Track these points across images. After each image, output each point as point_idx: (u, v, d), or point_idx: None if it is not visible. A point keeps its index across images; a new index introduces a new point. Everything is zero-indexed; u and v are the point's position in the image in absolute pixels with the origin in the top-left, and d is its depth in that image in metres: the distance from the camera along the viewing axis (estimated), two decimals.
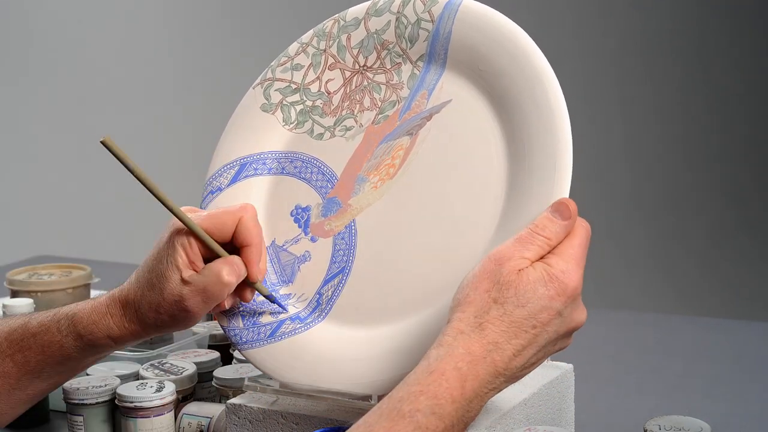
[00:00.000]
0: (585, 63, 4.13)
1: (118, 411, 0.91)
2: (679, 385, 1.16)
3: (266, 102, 0.86)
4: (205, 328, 1.12)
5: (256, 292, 0.79)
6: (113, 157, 0.71)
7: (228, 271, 0.75)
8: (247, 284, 0.78)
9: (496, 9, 0.79)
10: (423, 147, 0.79)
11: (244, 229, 0.76)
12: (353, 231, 0.80)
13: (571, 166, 0.73)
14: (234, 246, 0.77)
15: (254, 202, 0.84)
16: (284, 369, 0.79)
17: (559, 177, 0.72)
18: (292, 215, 0.83)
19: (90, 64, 3.04)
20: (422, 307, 0.75)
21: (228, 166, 0.85)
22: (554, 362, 0.92)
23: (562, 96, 0.74)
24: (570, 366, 0.91)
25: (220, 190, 0.85)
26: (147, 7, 3.19)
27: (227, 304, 0.79)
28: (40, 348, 0.79)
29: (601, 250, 3.89)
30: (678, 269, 3.95)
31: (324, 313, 0.79)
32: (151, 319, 0.76)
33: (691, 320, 1.57)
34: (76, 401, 0.91)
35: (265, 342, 0.79)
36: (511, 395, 0.83)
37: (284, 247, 0.82)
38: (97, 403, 0.91)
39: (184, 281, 0.75)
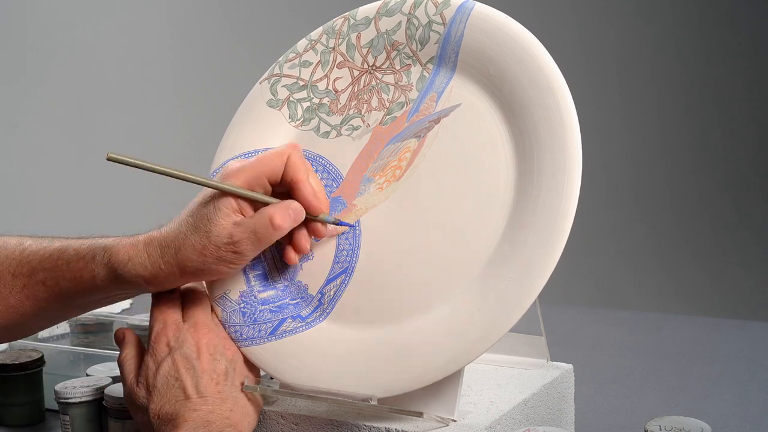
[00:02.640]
0: (586, 61, 4.13)
1: (105, 412, 0.91)
2: (679, 385, 1.16)
3: (273, 98, 0.86)
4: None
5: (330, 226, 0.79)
6: (127, 167, 0.72)
7: (281, 215, 0.74)
8: (305, 228, 0.78)
9: (498, 10, 0.79)
10: (430, 150, 0.79)
11: (291, 166, 0.76)
12: (357, 231, 0.80)
13: (580, 176, 0.73)
14: (284, 186, 0.77)
15: None
16: (285, 368, 0.79)
17: (568, 187, 0.72)
18: None
19: (93, 56, 3.04)
20: (424, 311, 0.75)
21: (232, 160, 0.85)
22: (554, 362, 0.92)
23: (573, 106, 0.74)
24: (570, 366, 0.91)
25: None
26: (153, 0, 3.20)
27: (306, 247, 0.78)
28: (73, 276, 0.79)
29: (601, 250, 3.90)
30: (678, 269, 3.95)
31: (325, 313, 0.79)
32: (193, 261, 0.75)
33: (691, 320, 1.57)
34: (62, 400, 0.91)
35: (266, 339, 0.79)
36: (511, 395, 0.83)
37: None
38: (81, 403, 0.91)
39: (234, 224, 0.74)
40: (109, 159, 0.71)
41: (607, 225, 4.01)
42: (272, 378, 0.80)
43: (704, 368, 1.22)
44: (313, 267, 0.81)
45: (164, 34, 3.24)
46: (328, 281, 0.80)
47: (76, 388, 0.92)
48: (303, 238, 0.78)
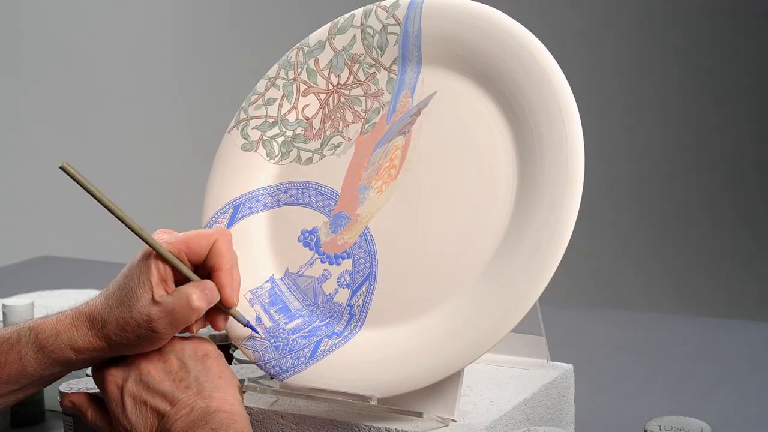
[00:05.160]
0: (587, 61, 4.13)
1: None
2: (679, 385, 1.16)
3: (246, 141, 0.86)
4: (205, 328, 1.11)
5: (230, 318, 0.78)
6: (74, 182, 0.71)
7: (198, 295, 0.74)
8: (221, 310, 0.77)
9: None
10: (419, 141, 0.80)
11: (217, 252, 0.75)
12: (369, 237, 0.80)
13: (579, 123, 0.74)
14: (206, 269, 0.76)
15: (256, 239, 0.84)
16: (335, 382, 0.77)
17: (570, 138, 0.73)
18: (299, 241, 0.83)
19: (90, 65, 3.04)
20: (458, 287, 0.75)
21: (221, 211, 0.85)
22: (554, 362, 0.92)
23: (551, 55, 0.75)
24: (570, 366, 0.91)
25: None
26: (140, 19, 3.19)
27: (195, 329, 0.77)
28: None
29: (601, 250, 3.89)
30: (678, 269, 3.95)
31: (360, 323, 0.79)
32: (116, 336, 0.74)
33: (691, 320, 1.57)
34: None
35: (308, 364, 0.78)
36: (511, 395, 0.83)
37: (300, 273, 0.82)
38: None
39: (154, 301, 0.73)
40: (62, 168, 0.70)
41: (608, 225, 4.01)
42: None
43: (704, 368, 1.22)
44: (335, 284, 0.80)
45: (156, 48, 3.24)
46: (354, 292, 0.79)
47: (80, 390, 0.92)
48: (220, 320, 0.78)
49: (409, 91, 0.81)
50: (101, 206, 0.73)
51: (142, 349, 0.76)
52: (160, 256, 0.74)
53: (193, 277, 0.75)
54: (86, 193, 0.72)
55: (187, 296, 0.73)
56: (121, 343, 0.75)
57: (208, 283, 0.75)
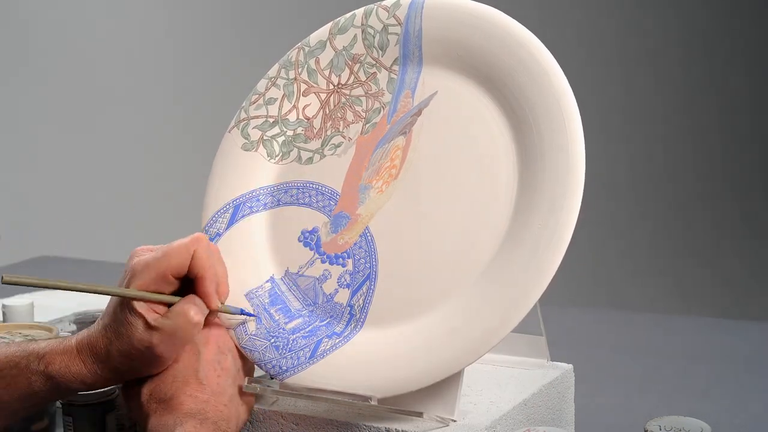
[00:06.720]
0: (587, 61, 4.13)
1: (112, 414, 0.90)
2: (679, 385, 1.16)
3: (246, 141, 0.86)
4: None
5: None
6: (25, 286, 0.70)
7: (195, 310, 0.75)
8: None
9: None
10: (420, 141, 0.80)
11: (197, 262, 0.76)
12: (369, 237, 0.80)
13: (580, 123, 0.74)
14: (189, 278, 0.77)
15: (257, 238, 0.84)
16: (335, 382, 0.77)
17: (571, 137, 0.73)
18: (300, 241, 0.83)
19: (90, 64, 3.04)
20: (458, 287, 0.75)
21: (221, 211, 0.85)
22: (554, 362, 0.92)
23: (551, 55, 0.76)
24: (570, 366, 0.91)
25: (219, 235, 0.84)
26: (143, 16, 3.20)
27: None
28: (6, 383, 0.77)
29: (601, 250, 3.89)
30: (679, 269, 3.95)
31: (360, 323, 0.78)
32: (123, 365, 0.76)
33: (691, 320, 1.57)
34: (66, 401, 0.91)
35: (308, 364, 0.78)
36: (511, 395, 0.83)
37: (300, 273, 0.82)
38: (85, 405, 0.91)
39: (150, 327, 0.74)
40: (5, 282, 0.69)
41: (608, 225, 4.01)
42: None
43: (704, 368, 1.22)
44: (334, 284, 0.80)
45: (154, 49, 3.24)
46: (354, 292, 0.79)
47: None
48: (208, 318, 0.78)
49: (409, 91, 0.81)
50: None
51: (148, 373, 0.77)
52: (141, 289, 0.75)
53: (176, 301, 0.76)
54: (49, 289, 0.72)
55: (185, 314, 0.74)
56: (128, 371, 0.76)
57: (195, 298, 0.76)
